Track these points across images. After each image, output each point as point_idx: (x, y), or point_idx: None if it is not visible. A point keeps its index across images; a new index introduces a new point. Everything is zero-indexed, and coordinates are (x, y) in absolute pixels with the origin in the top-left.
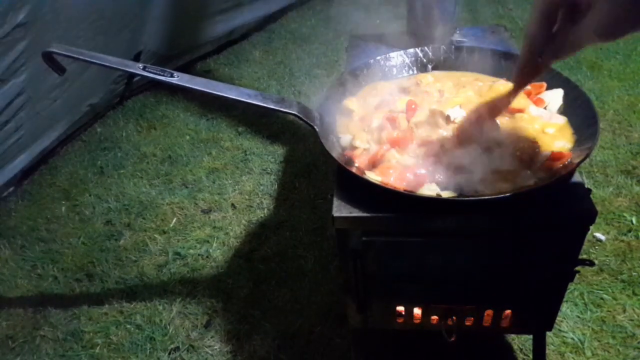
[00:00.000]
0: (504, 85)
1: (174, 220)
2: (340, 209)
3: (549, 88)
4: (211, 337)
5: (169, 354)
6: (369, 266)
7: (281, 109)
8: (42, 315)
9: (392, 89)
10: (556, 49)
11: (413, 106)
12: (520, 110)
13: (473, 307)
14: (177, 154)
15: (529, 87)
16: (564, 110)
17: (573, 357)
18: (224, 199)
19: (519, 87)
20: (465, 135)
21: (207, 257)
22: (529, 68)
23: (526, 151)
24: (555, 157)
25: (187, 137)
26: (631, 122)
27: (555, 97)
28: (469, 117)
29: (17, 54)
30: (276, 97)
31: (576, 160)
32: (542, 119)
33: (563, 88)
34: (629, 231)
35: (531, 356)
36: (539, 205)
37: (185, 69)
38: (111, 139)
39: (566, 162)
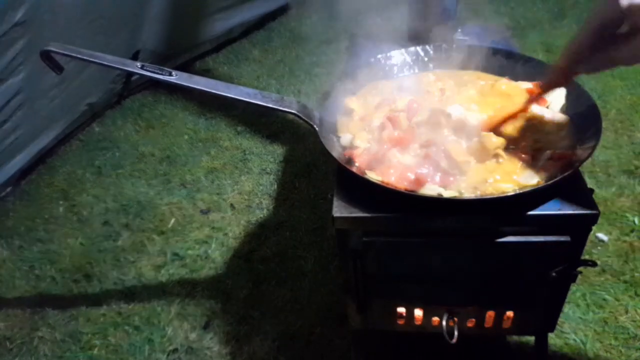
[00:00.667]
0: (506, 84)
1: (173, 221)
2: (340, 209)
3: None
4: (210, 339)
5: (168, 355)
6: (369, 266)
7: (281, 108)
8: (40, 316)
9: (393, 88)
10: (598, 64)
11: (415, 105)
12: (523, 110)
13: (474, 308)
14: (175, 153)
15: (531, 85)
16: (566, 110)
17: (575, 359)
18: (222, 199)
19: (545, 92)
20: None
21: (206, 257)
22: (562, 77)
23: (528, 151)
24: (557, 156)
25: (186, 137)
26: (634, 122)
27: (557, 96)
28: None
29: (15, 52)
30: (276, 96)
31: (578, 160)
32: (545, 118)
33: (565, 87)
34: (632, 231)
35: (533, 358)
36: (541, 205)
37: (184, 67)
38: (109, 138)
39: (568, 162)
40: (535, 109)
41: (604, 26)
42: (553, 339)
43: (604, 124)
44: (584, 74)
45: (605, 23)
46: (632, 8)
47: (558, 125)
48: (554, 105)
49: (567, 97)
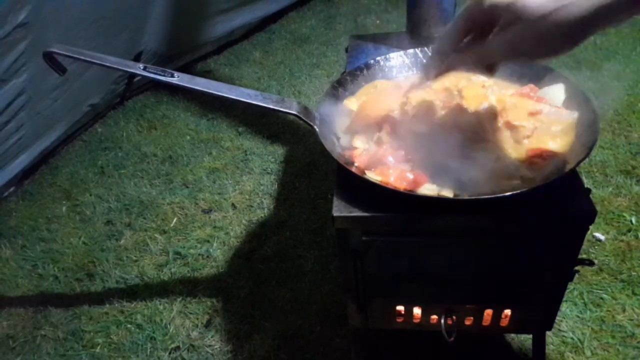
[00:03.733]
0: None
1: (175, 220)
2: (340, 209)
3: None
4: (211, 337)
5: (170, 353)
6: (369, 266)
7: (281, 109)
8: (42, 314)
9: (390, 86)
10: (461, 60)
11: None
12: (537, 113)
13: (473, 306)
14: (177, 154)
15: (527, 89)
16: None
17: (572, 357)
18: (224, 198)
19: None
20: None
21: (207, 256)
22: (436, 69)
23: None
24: (555, 156)
25: (188, 137)
26: (630, 122)
27: (556, 92)
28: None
29: (18, 54)
30: (276, 97)
31: (576, 160)
32: (553, 117)
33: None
34: (629, 231)
35: (530, 356)
36: (539, 205)
37: (186, 69)
38: (112, 139)
39: (564, 162)
40: (546, 109)
41: (473, 22)
42: (551, 337)
43: (601, 125)
44: (456, 68)
45: (474, 19)
46: (492, 5)
47: (565, 123)
48: (554, 103)
49: (565, 98)
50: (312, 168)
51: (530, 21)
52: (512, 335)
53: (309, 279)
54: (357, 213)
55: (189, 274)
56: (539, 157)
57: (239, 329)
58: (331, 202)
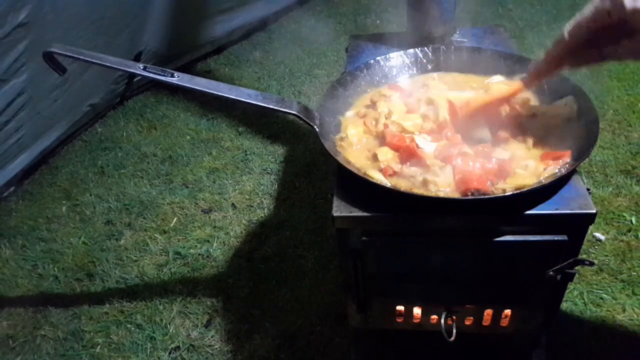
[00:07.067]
0: (503, 83)
1: (175, 220)
2: (340, 209)
3: (549, 87)
4: (211, 337)
5: (170, 353)
6: (369, 266)
7: (281, 109)
8: (42, 314)
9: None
10: (587, 58)
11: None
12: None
13: (473, 306)
14: (177, 153)
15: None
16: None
17: (573, 357)
18: (224, 198)
19: (530, 85)
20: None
21: (207, 256)
22: (549, 69)
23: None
24: (555, 156)
25: (188, 137)
26: (630, 122)
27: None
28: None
29: (18, 54)
30: (276, 97)
31: (576, 160)
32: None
33: (562, 87)
34: (629, 231)
35: (531, 356)
36: (539, 205)
37: (186, 69)
38: (112, 139)
39: (566, 162)
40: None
41: (602, 25)
42: (551, 337)
43: (601, 125)
44: (568, 68)
45: (605, 22)
46: (636, 11)
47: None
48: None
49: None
50: (312, 168)
51: None
52: (512, 335)
53: (309, 279)
54: (357, 213)
55: (189, 274)
56: (550, 159)
57: (239, 329)
58: (331, 202)
